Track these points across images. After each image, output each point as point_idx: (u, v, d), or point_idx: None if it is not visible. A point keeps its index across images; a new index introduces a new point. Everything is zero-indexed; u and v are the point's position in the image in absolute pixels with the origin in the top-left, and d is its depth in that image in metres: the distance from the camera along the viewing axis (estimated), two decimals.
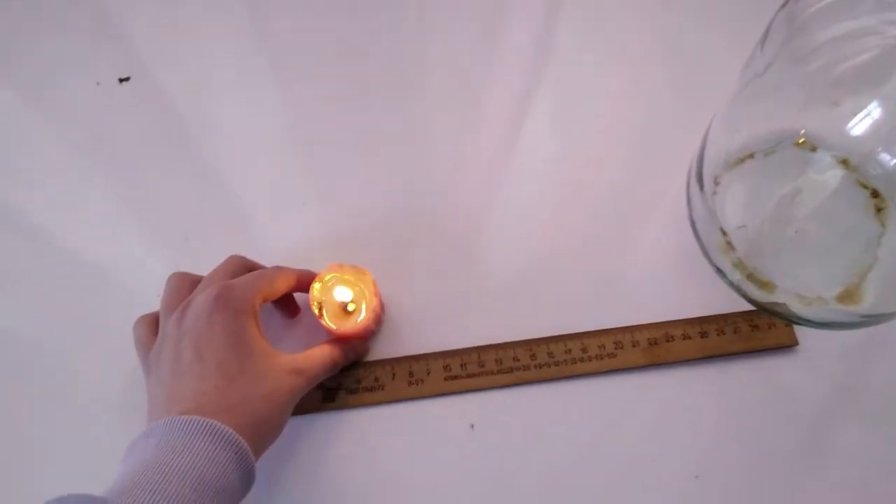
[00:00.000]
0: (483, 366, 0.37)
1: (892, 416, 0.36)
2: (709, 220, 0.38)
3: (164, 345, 0.33)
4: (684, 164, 0.41)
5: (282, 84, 0.48)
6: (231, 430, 0.28)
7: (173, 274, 0.37)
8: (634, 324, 0.38)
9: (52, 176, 0.46)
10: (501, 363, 0.37)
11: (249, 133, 0.46)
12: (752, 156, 0.38)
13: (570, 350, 0.37)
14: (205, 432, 0.28)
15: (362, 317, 0.36)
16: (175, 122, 0.47)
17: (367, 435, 0.37)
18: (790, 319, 0.37)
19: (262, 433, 0.31)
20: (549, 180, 0.43)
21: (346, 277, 0.37)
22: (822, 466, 0.35)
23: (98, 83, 0.48)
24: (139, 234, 0.43)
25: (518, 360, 0.37)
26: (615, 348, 0.37)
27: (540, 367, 0.37)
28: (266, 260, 0.39)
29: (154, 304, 0.40)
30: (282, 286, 0.36)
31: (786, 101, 0.36)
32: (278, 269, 0.37)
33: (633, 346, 0.37)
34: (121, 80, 0.48)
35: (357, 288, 0.37)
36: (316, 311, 0.36)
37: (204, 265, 0.39)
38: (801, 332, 0.37)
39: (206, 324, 0.32)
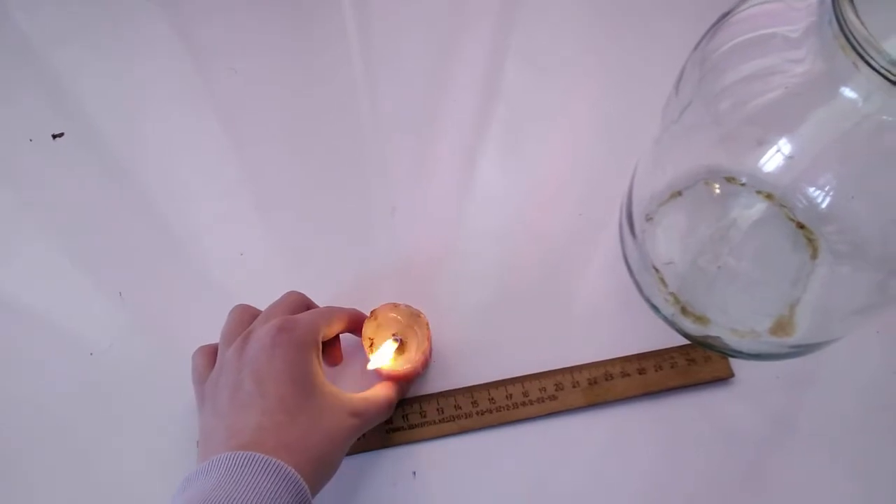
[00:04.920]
0: (424, 416, 0.37)
1: (828, 443, 0.37)
2: (640, 258, 0.39)
3: (223, 374, 0.33)
4: (619, 206, 0.42)
5: (225, 133, 0.48)
6: (293, 470, 0.28)
7: (237, 305, 0.37)
8: (574, 364, 0.38)
9: None
10: (443, 412, 0.37)
11: (188, 186, 0.46)
12: (680, 193, 0.39)
13: (511, 395, 0.38)
14: (268, 471, 0.28)
15: (413, 357, 0.36)
16: (109, 177, 0.47)
17: None
18: (725, 352, 0.38)
19: (320, 472, 0.31)
20: (487, 230, 0.43)
21: (399, 318, 0.37)
22: (762, 494, 0.36)
23: (31, 139, 0.48)
24: (71, 289, 0.43)
25: (460, 407, 0.38)
26: (556, 390, 0.38)
27: (482, 414, 0.37)
28: (201, 310, 0.39)
29: (85, 360, 0.40)
30: (338, 325, 0.36)
31: (705, 141, 0.36)
32: (334, 307, 0.37)
33: (574, 386, 0.38)
34: (54, 136, 0.48)
35: (411, 329, 0.37)
36: (367, 349, 0.36)
37: (139, 321, 0.40)
38: (736, 363, 0.38)
39: (268, 356, 0.32)
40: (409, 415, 0.37)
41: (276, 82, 0.50)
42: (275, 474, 0.28)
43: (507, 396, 0.38)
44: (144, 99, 0.49)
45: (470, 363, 0.39)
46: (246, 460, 0.28)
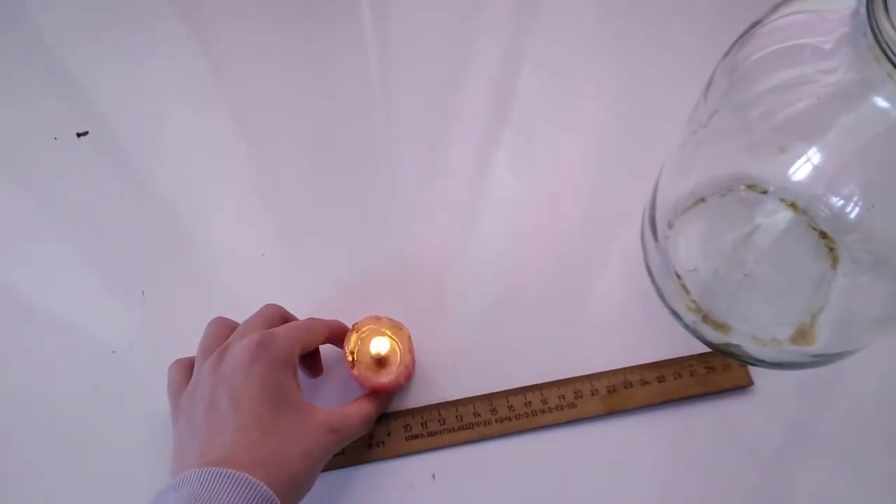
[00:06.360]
0: (444, 423, 0.37)
1: (849, 453, 0.37)
2: (663, 264, 0.38)
3: (199, 389, 0.32)
4: (640, 211, 0.41)
5: (244, 134, 0.48)
6: (265, 487, 0.28)
7: (214, 318, 0.36)
8: (594, 371, 0.38)
9: (4, 228, 0.45)
10: (462, 419, 0.37)
11: (209, 187, 0.46)
12: (703, 200, 0.39)
13: (530, 402, 0.37)
14: (240, 487, 0.27)
15: (395, 370, 0.36)
16: (133, 176, 0.46)
17: (326, 499, 0.36)
18: (745, 360, 0.38)
19: (293, 490, 0.30)
20: (505, 233, 0.43)
21: (383, 330, 0.37)
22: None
23: (56, 138, 0.48)
24: (95, 287, 0.43)
25: (479, 415, 0.37)
26: (575, 398, 0.38)
27: (501, 422, 0.37)
28: (222, 310, 0.38)
29: (107, 358, 0.40)
30: (318, 338, 0.36)
31: (732, 148, 0.36)
32: (313, 320, 0.36)
33: (593, 394, 0.38)
34: (79, 135, 0.48)
35: (393, 341, 0.37)
36: (349, 362, 0.36)
37: (161, 319, 0.40)
38: (756, 372, 0.38)
39: (245, 372, 0.31)
40: (428, 422, 0.37)
41: (294, 84, 0.49)
42: (246, 490, 0.27)
43: (526, 404, 0.37)
44: (168, 99, 0.49)
45: (488, 371, 0.39)
46: (218, 476, 0.27)
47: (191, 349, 0.36)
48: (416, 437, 0.37)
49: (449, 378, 0.39)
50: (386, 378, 0.36)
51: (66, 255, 0.44)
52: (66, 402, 0.39)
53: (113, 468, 0.38)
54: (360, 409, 0.35)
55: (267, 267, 0.43)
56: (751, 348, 0.37)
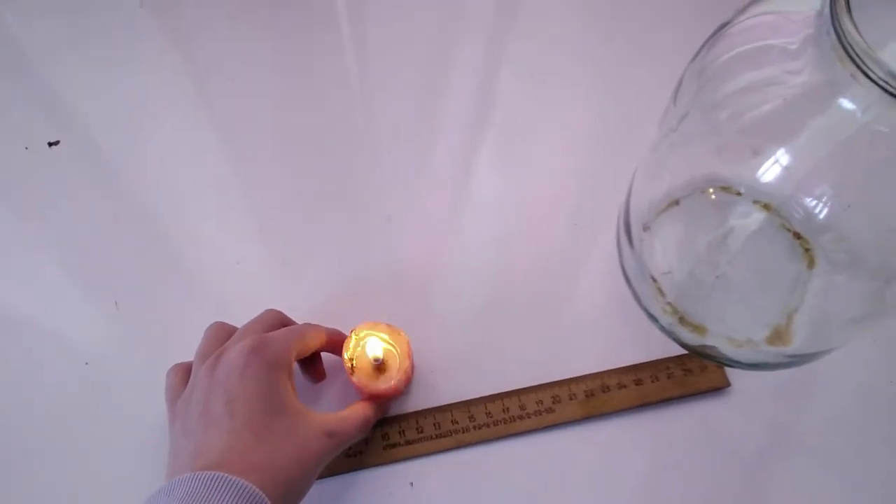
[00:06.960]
0: (421, 431, 0.37)
1: (826, 452, 0.37)
2: (638, 267, 0.38)
3: (194, 393, 0.32)
4: (615, 215, 0.41)
5: (222, 143, 0.48)
6: (258, 490, 0.28)
7: (213, 323, 0.36)
8: (571, 376, 0.38)
9: None
10: (440, 427, 0.37)
11: (189, 196, 0.45)
12: (677, 202, 0.39)
13: (508, 408, 0.37)
14: (231, 491, 0.27)
15: (394, 376, 0.36)
16: (105, 186, 0.46)
17: None
18: (722, 362, 0.38)
19: (288, 493, 0.30)
20: (486, 239, 0.43)
21: (380, 335, 0.37)
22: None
23: (27, 147, 0.47)
24: (69, 297, 0.42)
25: (457, 422, 0.37)
26: (553, 403, 0.37)
27: (479, 429, 0.37)
28: (197, 319, 0.38)
29: (79, 370, 0.40)
30: (313, 343, 0.36)
31: (703, 150, 0.36)
32: (309, 325, 0.36)
33: (571, 399, 0.37)
34: (50, 145, 0.48)
35: (391, 347, 0.37)
36: (348, 368, 0.36)
37: (135, 331, 0.40)
38: (732, 373, 0.38)
39: (238, 377, 0.31)
40: (405, 430, 0.37)
41: (274, 93, 0.49)
42: (239, 494, 0.27)
43: (504, 410, 0.37)
44: (141, 108, 0.49)
45: (466, 377, 0.39)
46: (210, 480, 0.27)
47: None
48: (393, 445, 0.37)
49: (426, 386, 0.39)
50: (385, 384, 0.36)
51: (37, 265, 0.43)
52: (37, 411, 0.39)
53: (80, 477, 0.37)
54: (358, 413, 0.35)
55: (247, 276, 0.43)
56: (727, 349, 0.37)
